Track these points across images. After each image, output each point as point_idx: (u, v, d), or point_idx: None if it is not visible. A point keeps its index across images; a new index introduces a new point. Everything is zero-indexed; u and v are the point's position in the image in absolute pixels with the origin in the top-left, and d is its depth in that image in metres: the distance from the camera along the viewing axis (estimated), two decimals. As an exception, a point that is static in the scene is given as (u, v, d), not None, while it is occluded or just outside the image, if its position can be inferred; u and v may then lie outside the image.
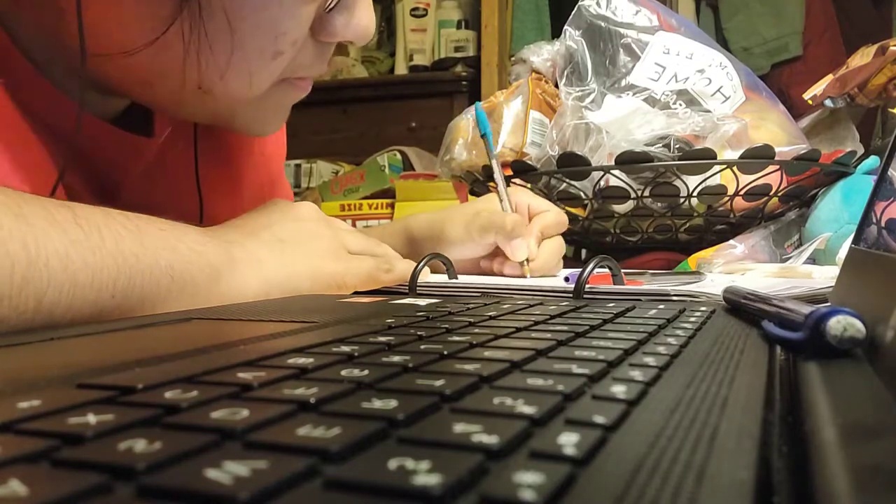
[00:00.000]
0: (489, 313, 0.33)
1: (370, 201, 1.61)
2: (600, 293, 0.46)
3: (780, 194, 0.78)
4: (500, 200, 0.64)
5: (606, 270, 0.50)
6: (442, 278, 0.57)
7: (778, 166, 0.74)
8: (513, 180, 0.83)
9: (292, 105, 0.52)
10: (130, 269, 0.34)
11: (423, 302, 0.40)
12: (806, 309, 0.24)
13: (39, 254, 0.30)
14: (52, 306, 0.31)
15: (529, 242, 0.61)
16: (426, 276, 0.53)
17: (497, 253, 0.64)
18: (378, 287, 0.50)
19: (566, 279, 0.52)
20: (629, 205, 0.79)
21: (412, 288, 0.50)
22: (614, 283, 0.50)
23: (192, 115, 0.52)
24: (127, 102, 0.53)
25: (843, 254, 0.60)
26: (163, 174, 0.56)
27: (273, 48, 0.44)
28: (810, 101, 0.93)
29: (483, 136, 0.69)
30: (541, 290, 0.50)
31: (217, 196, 0.59)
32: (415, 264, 0.52)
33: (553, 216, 0.65)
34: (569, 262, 0.73)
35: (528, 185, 0.83)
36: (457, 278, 0.58)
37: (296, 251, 0.47)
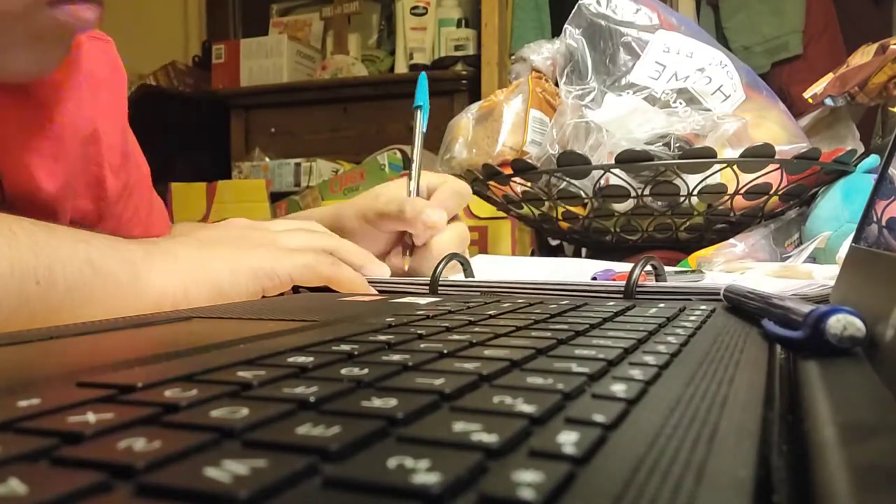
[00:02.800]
0: (489, 312, 0.33)
1: (370, 200, 1.61)
2: (650, 293, 0.44)
3: (780, 193, 0.78)
4: (410, 181, 0.60)
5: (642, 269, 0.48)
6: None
7: (778, 165, 0.74)
8: (512, 179, 0.83)
9: (71, 41, 0.46)
10: (49, 257, 0.34)
11: (423, 301, 0.40)
12: (806, 308, 0.24)
13: None
14: None
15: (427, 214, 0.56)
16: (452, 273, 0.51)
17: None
18: (323, 283, 0.46)
19: (593, 278, 0.51)
20: (629, 204, 0.79)
21: (433, 289, 0.49)
22: (658, 282, 0.49)
23: None
24: None
25: (843, 253, 0.60)
26: None
27: None
28: (810, 100, 0.93)
29: (416, 108, 0.65)
30: (586, 290, 0.47)
31: (20, 159, 0.51)
32: (370, 255, 0.51)
33: (448, 187, 0.60)
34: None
35: (528, 184, 0.83)
36: (473, 276, 0.57)
37: (217, 248, 0.44)
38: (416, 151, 0.63)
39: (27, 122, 0.52)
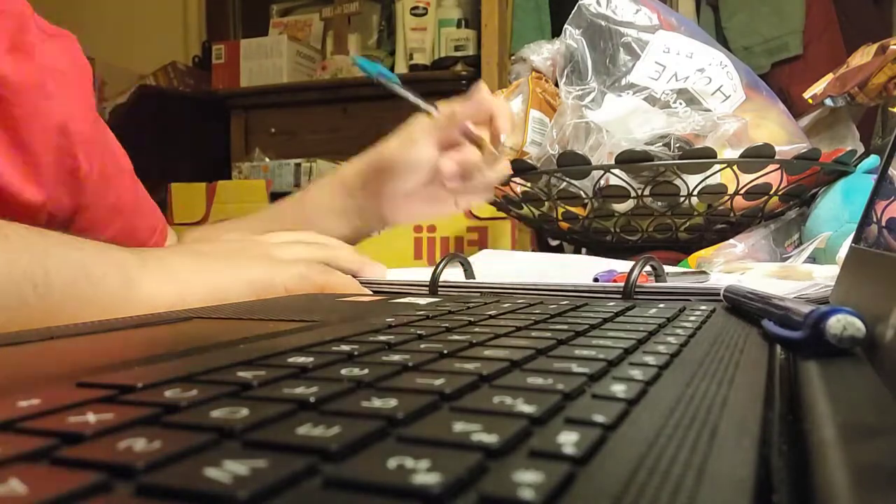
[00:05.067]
0: (489, 312, 0.33)
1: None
2: (650, 293, 0.45)
3: (780, 193, 0.78)
4: (419, 106, 0.59)
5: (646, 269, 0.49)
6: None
7: (778, 165, 0.74)
8: (513, 179, 0.83)
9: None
10: (45, 262, 0.34)
11: (423, 301, 0.40)
12: (806, 308, 0.24)
13: None
14: None
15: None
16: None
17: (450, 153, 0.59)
18: (318, 291, 0.47)
19: (595, 279, 0.51)
20: (629, 204, 0.79)
21: (433, 290, 0.49)
22: (657, 282, 0.49)
23: None
24: None
25: (843, 253, 0.60)
26: None
27: None
28: (810, 100, 0.93)
29: (374, 78, 0.64)
30: (585, 291, 0.47)
31: None
32: (365, 259, 0.51)
33: (474, 105, 0.59)
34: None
35: (528, 184, 0.83)
36: (474, 278, 0.57)
37: (213, 259, 0.44)
38: (401, 89, 0.62)
39: None
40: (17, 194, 0.51)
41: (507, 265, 0.67)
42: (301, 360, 0.20)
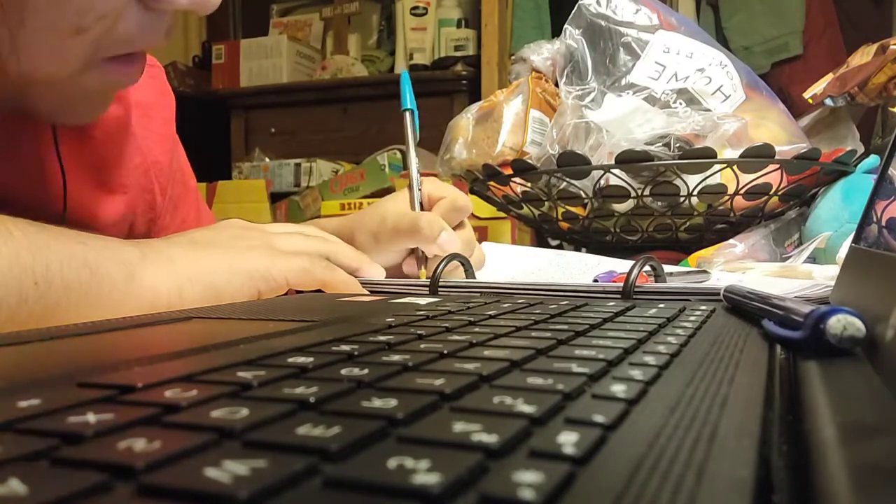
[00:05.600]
0: (489, 312, 0.33)
1: (370, 200, 1.61)
2: (649, 293, 0.44)
3: (780, 193, 0.78)
4: (411, 196, 0.58)
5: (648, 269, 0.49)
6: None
7: (778, 165, 0.74)
8: (512, 179, 0.83)
9: (121, 82, 0.47)
10: (46, 257, 0.34)
11: (423, 301, 0.40)
12: (806, 308, 0.24)
13: None
14: None
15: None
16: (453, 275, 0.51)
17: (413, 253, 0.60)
18: (318, 286, 0.46)
19: (595, 280, 0.51)
20: (629, 204, 0.79)
21: (433, 290, 0.49)
22: (657, 283, 0.49)
23: None
24: None
25: (843, 253, 0.60)
26: (11, 154, 0.49)
27: (74, 23, 0.38)
28: (810, 100, 0.93)
29: (406, 111, 0.63)
30: (585, 291, 0.47)
31: (81, 178, 0.53)
32: (364, 258, 0.51)
33: (449, 202, 0.59)
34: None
35: (528, 185, 0.83)
36: (474, 278, 0.56)
37: (213, 249, 0.44)
38: (412, 159, 0.62)
39: (88, 158, 0.54)
40: (103, 230, 0.53)
41: (507, 256, 0.67)
42: (301, 360, 0.20)
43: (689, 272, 0.58)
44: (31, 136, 0.50)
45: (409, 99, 0.63)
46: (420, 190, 0.59)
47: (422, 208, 0.60)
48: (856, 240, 0.35)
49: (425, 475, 0.11)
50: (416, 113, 0.64)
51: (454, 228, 0.59)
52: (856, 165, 0.79)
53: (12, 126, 0.48)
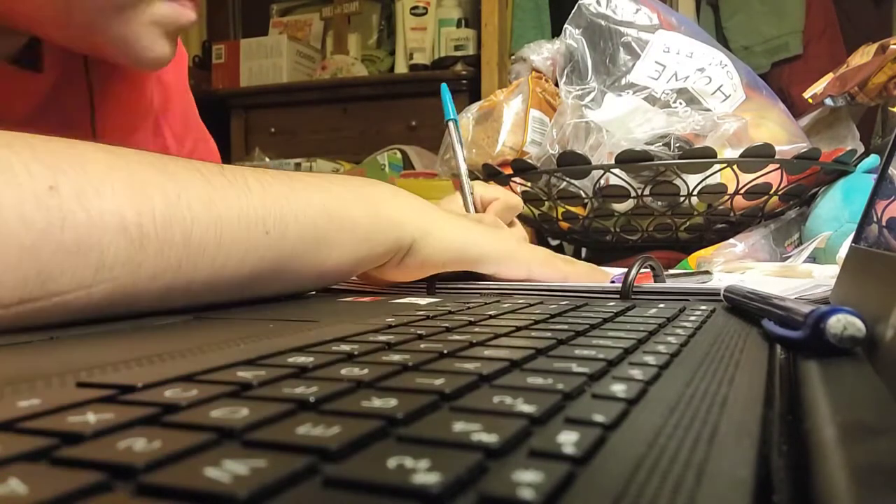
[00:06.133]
0: (489, 312, 0.33)
1: (370, 200, 1.60)
2: (648, 293, 0.44)
3: (780, 193, 0.78)
4: (464, 200, 0.61)
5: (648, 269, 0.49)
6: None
7: (778, 165, 0.74)
8: (512, 179, 0.83)
9: (178, 34, 0.50)
10: (280, 208, 0.35)
11: (422, 301, 0.40)
12: (806, 308, 0.24)
13: (180, 197, 0.31)
14: (202, 243, 0.32)
15: None
16: None
17: None
18: (562, 279, 0.49)
19: (612, 281, 0.51)
20: (629, 204, 0.79)
21: (430, 290, 0.49)
22: (655, 283, 0.48)
23: (61, 34, 0.49)
24: (23, 41, 0.51)
25: (843, 253, 0.60)
26: (55, 115, 0.53)
27: None
28: (810, 100, 0.93)
29: (449, 121, 0.65)
30: (585, 292, 0.47)
31: (114, 139, 0.58)
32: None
33: (502, 203, 0.63)
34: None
35: (528, 184, 0.83)
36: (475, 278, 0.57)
37: (469, 221, 0.47)
38: (462, 167, 0.63)
39: (128, 103, 0.59)
40: None
41: None
42: (301, 359, 0.20)
43: (689, 274, 0.58)
44: (70, 94, 0.53)
45: (450, 110, 0.66)
46: (472, 193, 0.62)
47: (475, 210, 0.62)
48: (856, 239, 0.35)
49: (425, 475, 0.11)
50: (458, 122, 0.66)
51: (507, 226, 0.62)
52: (856, 165, 0.79)
53: (54, 86, 0.52)
